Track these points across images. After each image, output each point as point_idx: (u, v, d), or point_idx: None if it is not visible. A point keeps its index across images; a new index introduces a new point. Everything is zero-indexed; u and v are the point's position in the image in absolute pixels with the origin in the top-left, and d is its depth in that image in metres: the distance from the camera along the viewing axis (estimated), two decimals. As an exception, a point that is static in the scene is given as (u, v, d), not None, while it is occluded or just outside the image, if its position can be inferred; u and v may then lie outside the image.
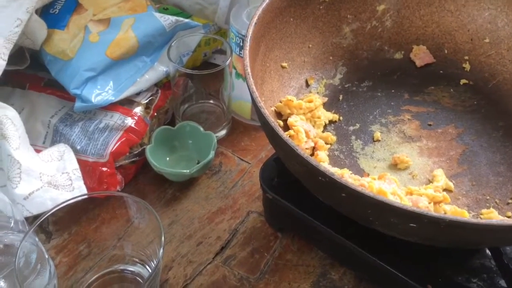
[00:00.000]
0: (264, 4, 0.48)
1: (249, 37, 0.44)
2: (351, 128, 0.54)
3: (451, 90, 0.58)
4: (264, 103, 0.45)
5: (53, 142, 0.56)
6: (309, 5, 0.54)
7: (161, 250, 0.42)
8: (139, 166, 0.60)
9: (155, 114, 0.61)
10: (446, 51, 0.60)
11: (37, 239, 0.44)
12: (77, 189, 0.50)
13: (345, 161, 0.51)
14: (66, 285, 0.47)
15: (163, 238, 0.43)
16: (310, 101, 0.52)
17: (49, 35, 0.57)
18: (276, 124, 0.37)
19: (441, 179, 0.48)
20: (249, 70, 0.41)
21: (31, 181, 0.48)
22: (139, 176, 0.60)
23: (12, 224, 0.44)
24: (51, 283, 0.46)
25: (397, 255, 0.45)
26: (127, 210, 0.48)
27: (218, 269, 0.52)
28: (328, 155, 0.50)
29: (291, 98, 0.51)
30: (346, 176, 0.45)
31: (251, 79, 0.40)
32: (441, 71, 0.59)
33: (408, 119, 0.55)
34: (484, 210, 0.46)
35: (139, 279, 0.49)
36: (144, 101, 0.60)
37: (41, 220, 0.43)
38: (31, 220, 0.49)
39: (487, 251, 0.46)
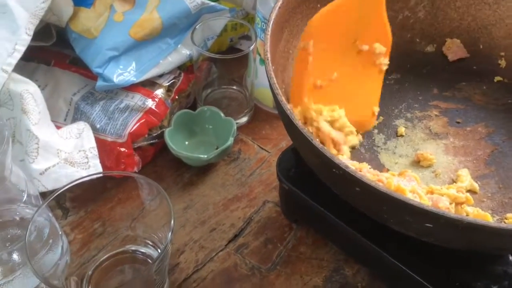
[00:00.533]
0: (290, -12, 0.47)
1: (272, 21, 0.43)
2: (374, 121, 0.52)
3: (484, 87, 0.55)
4: (284, 90, 0.44)
5: (74, 120, 0.56)
6: (338, -8, 0.53)
7: (170, 234, 0.42)
8: (158, 149, 0.60)
9: (177, 97, 0.61)
10: (481, 46, 0.57)
11: (50, 214, 0.45)
12: (93, 168, 0.50)
13: (365, 155, 0.49)
14: (78, 262, 0.48)
15: (172, 222, 0.42)
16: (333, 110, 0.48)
17: (75, 12, 0.57)
18: (292, 112, 0.36)
19: (466, 179, 0.46)
20: (268, 55, 0.40)
21: (48, 156, 0.49)
22: (157, 158, 0.60)
23: (24, 198, 0.44)
24: (63, 259, 0.46)
25: (414, 255, 0.43)
26: (141, 192, 0.48)
27: (230, 256, 0.51)
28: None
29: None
30: (364, 170, 0.43)
31: (270, 64, 0.39)
32: (474, 67, 0.57)
33: (436, 115, 0.53)
34: (509, 215, 0.44)
35: (150, 261, 0.49)
36: (166, 84, 0.59)
37: (53, 196, 0.43)
38: (47, 195, 0.50)
39: (511, 257, 0.44)
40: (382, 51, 0.48)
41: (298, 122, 0.36)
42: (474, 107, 0.53)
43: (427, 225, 0.33)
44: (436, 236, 0.35)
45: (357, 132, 0.49)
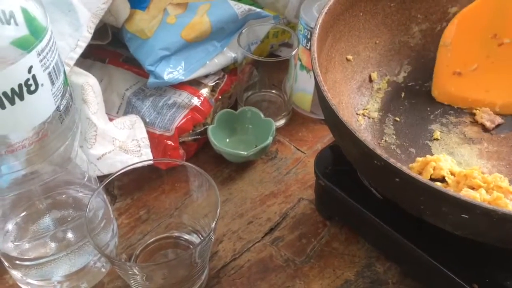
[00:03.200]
0: (336, -4, 0.50)
1: (319, 26, 0.46)
2: (410, 125, 0.54)
3: (519, 98, 0.57)
4: (327, 88, 0.47)
5: (126, 113, 0.60)
6: (380, 2, 0.55)
7: (214, 222, 0.43)
8: (200, 144, 0.63)
9: (220, 97, 0.64)
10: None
11: (105, 197, 0.48)
12: (144, 156, 0.54)
13: (401, 155, 0.51)
14: (125, 244, 0.51)
15: (218, 210, 0.44)
16: None
17: (131, 14, 0.61)
18: (335, 105, 0.39)
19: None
20: (315, 55, 0.43)
21: (105, 144, 0.53)
22: (199, 153, 0.63)
23: (85, 180, 0.48)
24: (113, 240, 0.49)
25: (446, 251, 0.45)
26: (187, 184, 0.50)
27: (266, 248, 0.54)
28: (385, 148, 0.51)
29: None
30: None
31: (317, 63, 0.42)
32: None
33: (471, 121, 0.54)
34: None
35: (191, 247, 0.51)
36: (211, 84, 0.63)
37: (111, 178, 0.46)
38: (103, 179, 0.53)
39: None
40: None
41: (341, 115, 0.38)
42: (509, 116, 0.55)
43: (463, 216, 0.35)
44: (471, 228, 0.37)
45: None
